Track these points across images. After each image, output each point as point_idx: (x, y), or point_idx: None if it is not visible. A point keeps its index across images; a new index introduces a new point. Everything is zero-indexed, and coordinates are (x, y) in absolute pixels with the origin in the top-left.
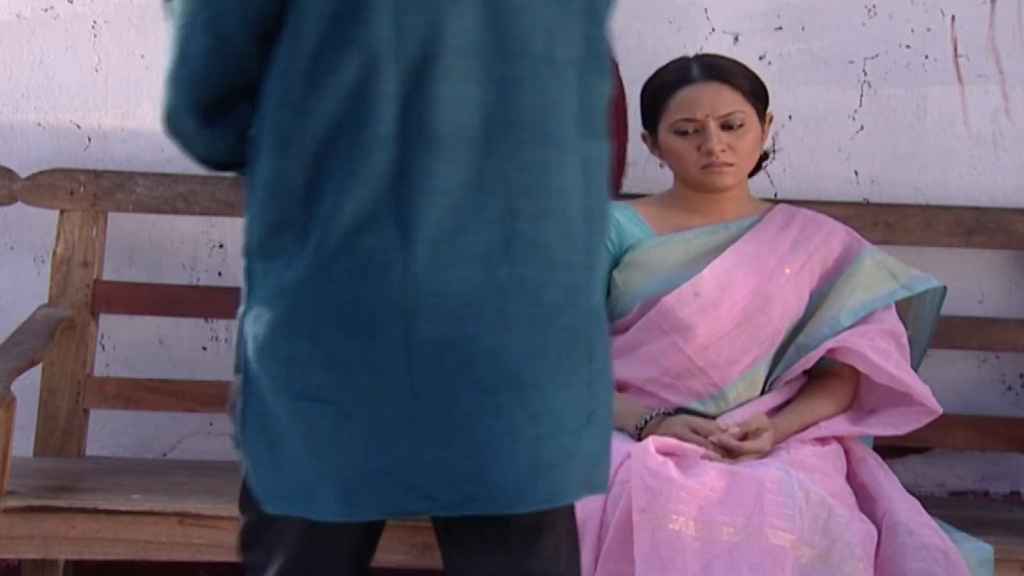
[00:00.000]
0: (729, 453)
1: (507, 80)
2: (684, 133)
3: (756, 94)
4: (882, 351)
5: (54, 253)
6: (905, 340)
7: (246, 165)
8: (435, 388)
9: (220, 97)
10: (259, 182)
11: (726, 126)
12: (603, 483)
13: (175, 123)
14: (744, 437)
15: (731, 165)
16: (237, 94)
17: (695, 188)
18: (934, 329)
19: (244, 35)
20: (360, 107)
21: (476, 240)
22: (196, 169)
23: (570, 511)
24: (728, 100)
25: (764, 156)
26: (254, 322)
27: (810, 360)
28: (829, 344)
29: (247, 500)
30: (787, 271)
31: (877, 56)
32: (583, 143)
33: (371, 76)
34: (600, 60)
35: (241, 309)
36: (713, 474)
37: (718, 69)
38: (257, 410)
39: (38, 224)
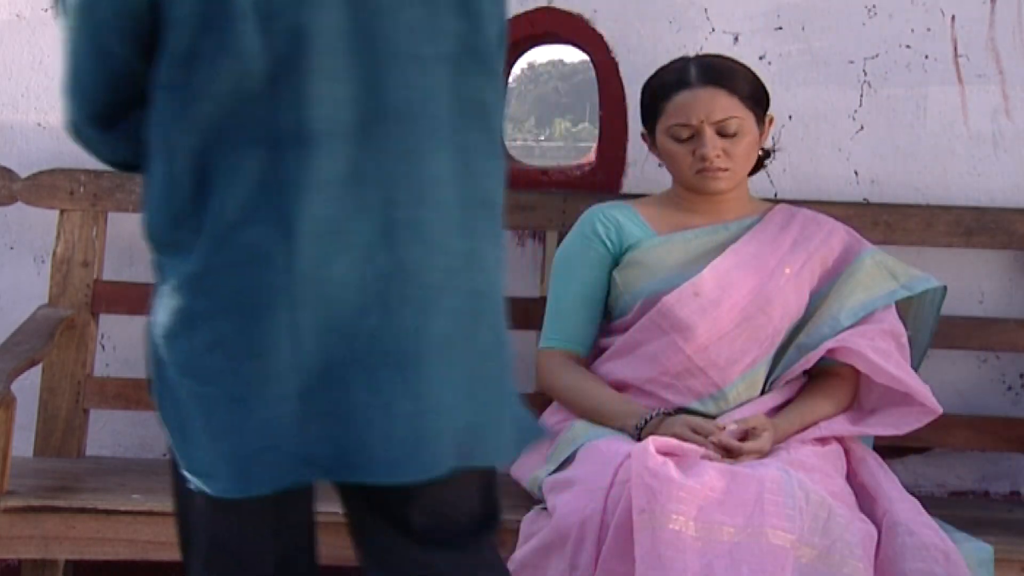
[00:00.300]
0: (729, 453)
1: (376, 77)
2: (680, 138)
3: (754, 98)
4: (882, 351)
5: (54, 253)
6: (905, 340)
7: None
8: (319, 368)
9: (115, 104)
10: (154, 182)
11: (722, 132)
12: (490, 455)
13: (77, 132)
14: (744, 436)
15: (725, 170)
16: (132, 101)
17: (691, 191)
18: (934, 329)
19: (127, 49)
20: (236, 111)
21: (356, 229)
22: None
23: (481, 479)
24: (724, 105)
25: (766, 154)
26: (161, 311)
27: (810, 360)
28: (829, 344)
29: (174, 479)
30: (787, 271)
31: (877, 56)
32: (459, 134)
33: (243, 81)
34: (477, 55)
35: (154, 299)
36: (713, 474)
37: (716, 73)
38: (168, 392)
39: (38, 224)
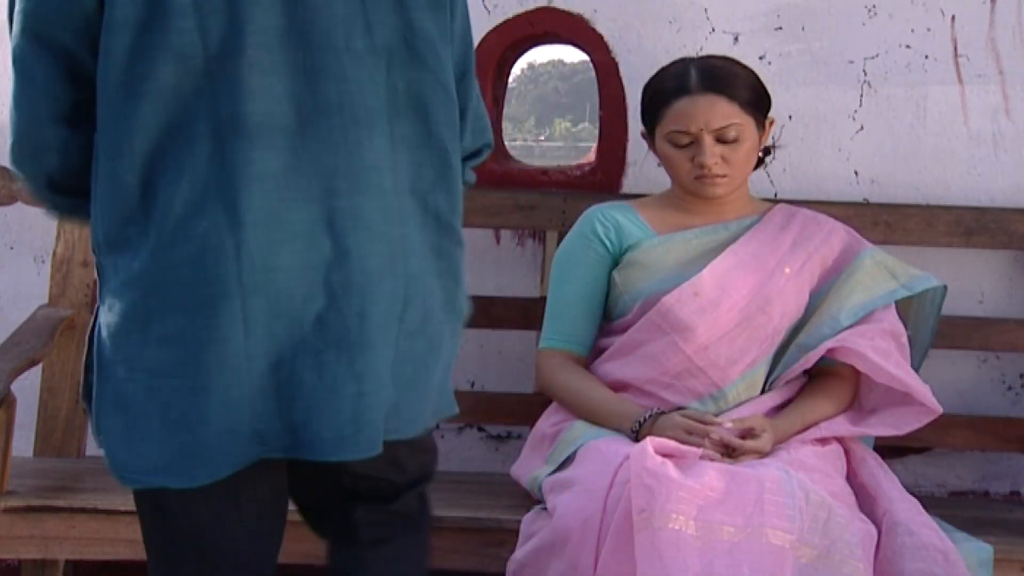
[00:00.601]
0: (729, 453)
1: (312, 70)
2: (679, 144)
3: (754, 103)
4: (882, 351)
5: (54, 253)
6: (905, 340)
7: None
8: (270, 352)
9: (77, 104)
10: (100, 182)
11: (721, 139)
12: (408, 429)
13: (37, 137)
14: (743, 436)
15: (724, 177)
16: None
17: (690, 194)
18: (935, 329)
19: (82, 49)
20: (176, 107)
21: (300, 219)
22: None
23: (408, 447)
24: (724, 113)
25: (765, 152)
26: (107, 312)
27: (810, 360)
28: (829, 344)
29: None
30: (787, 271)
31: (877, 56)
32: (394, 125)
33: (183, 78)
34: (413, 49)
35: (97, 304)
36: (713, 474)
37: (716, 80)
38: (113, 393)
39: (38, 224)
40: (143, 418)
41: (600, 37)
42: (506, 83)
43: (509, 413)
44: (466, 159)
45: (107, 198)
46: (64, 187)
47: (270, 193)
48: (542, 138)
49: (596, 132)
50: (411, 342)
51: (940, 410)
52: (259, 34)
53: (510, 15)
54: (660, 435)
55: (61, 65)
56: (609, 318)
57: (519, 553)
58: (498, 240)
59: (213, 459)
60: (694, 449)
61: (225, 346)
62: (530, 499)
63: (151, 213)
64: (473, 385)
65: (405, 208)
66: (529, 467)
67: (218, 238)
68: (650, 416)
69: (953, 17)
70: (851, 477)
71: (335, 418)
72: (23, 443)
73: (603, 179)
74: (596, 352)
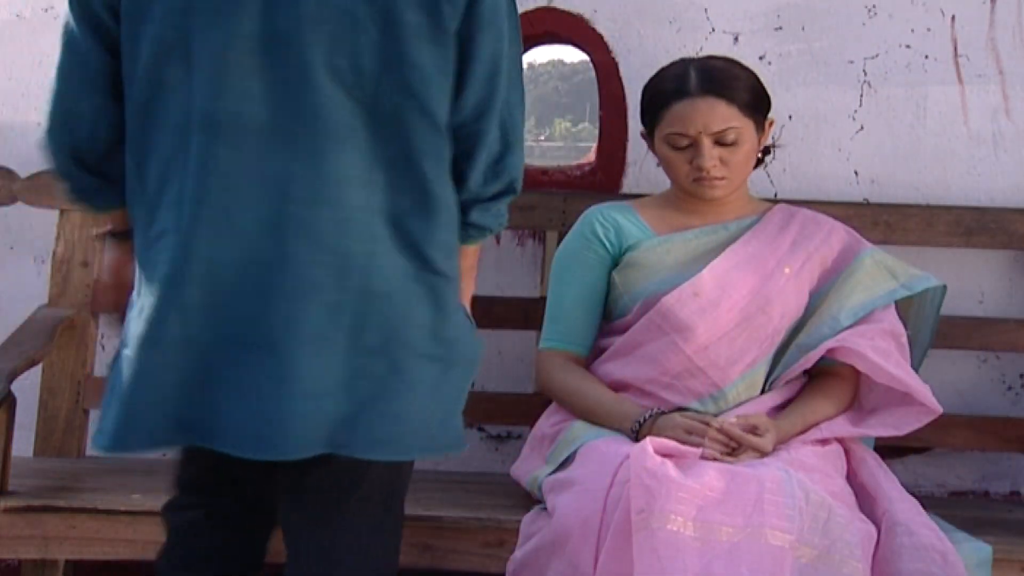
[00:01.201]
0: (731, 451)
1: (291, 80)
2: (677, 146)
3: (754, 105)
4: (882, 351)
5: (54, 253)
6: (905, 340)
7: None
8: (202, 343)
9: (114, 78)
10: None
11: (720, 141)
12: (363, 448)
13: (71, 104)
14: (746, 432)
15: (722, 179)
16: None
17: (688, 195)
18: (935, 328)
19: (115, 25)
20: (158, 96)
21: (249, 218)
22: None
23: (361, 473)
24: (723, 116)
25: (765, 151)
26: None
27: (810, 360)
28: (829, 344)
29: None
30: (787, 271)
31: (877, 56)
32: (375, 145)
33: (165, 68)
34: (400, 76)
35: None
36: (713, 474)
37: (715, 81)
38: (115, 361)
39: (38, 224)
40: (109, 386)
41: (600, 37)
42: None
43: (509, 413)
44: (483, 201)
45: (127, 189)
46: (88, 164)
47: (225, 189)
48: (542, 138)
49: (596, 132)
50: (369, 360)
51: (940, 410)
52: (244, 38)
53: None
54: (660, 435)
55: (99, 38)
56: (609, 318)
57: (519, 553)
58: (498, 240)
59: (141, 431)
60: (694, 449)
61: (167, 328)
62: (530, 499)
63: (142, 195)
64: (473, 385)
65: (375, 227)
66: (529, 467)
67: (174, 225)
68: (650, 416)
69: (953, 17)
70: (851, 477)
71: (254, 418)
72: (23, 443)
73: (603, 179)
74: (596, 352)
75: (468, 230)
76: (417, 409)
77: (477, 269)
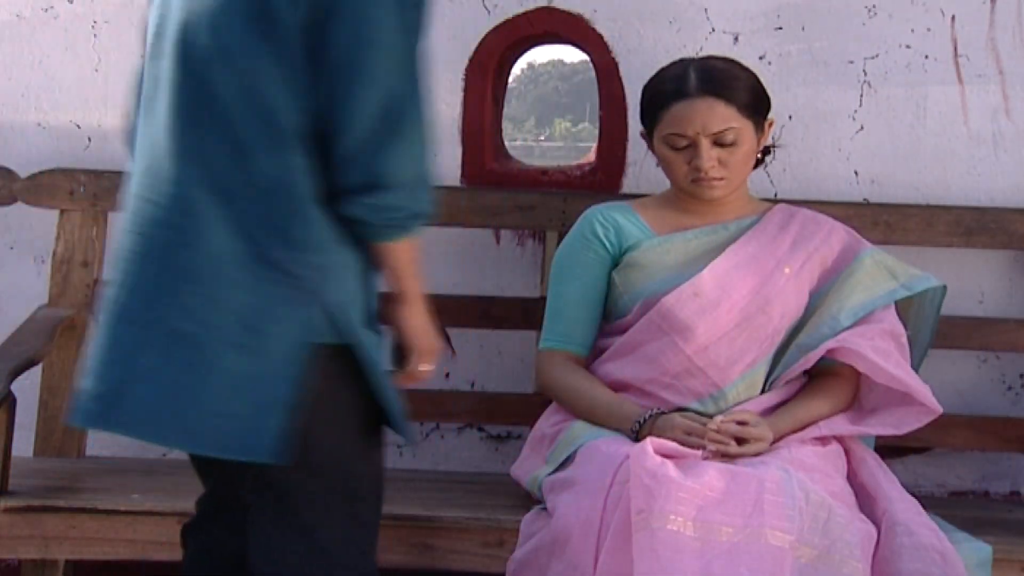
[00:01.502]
0: (731, 453)
1: (189, 68)
2: (676, 147)
3: (753, 106)
4: (882, 351)
5: (54, 253)
6: (905, 340)
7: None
8: (104, 318)
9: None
10: None
11: (719, 142)
12: (119, 420)
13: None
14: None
15: (721, 180)
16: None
17: (688, 195)
18: (935, 329)
19: None
20: (141, 77)
21: (133, 192)
22: None
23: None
24: (721, 117)
25: (765, 151)
26: None
27: (810, 360)
28: (829, 344)
29: None
30: (787, 271)
31: (877, 56)
32: (202, 120)
33: (145, 53)
34: (271, 65)
35: None
36: (713, 474)
37: (715, 82)
38: None
39: (38, 224)
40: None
41: (600, 37)
42: (506, 83)
43: (509, 413)
44: (348, 194)
45: None
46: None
47: (146, 171)
48: (542, 138)
49: (596, 132)
50: (149, 331)
51: (940, 410)
52: (170, 30)
53: (510, 15)
54: (660, 435)
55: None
56: (609, 319)
57: (519, 553)
58: (498, 240)
59: (77, 402)
60: (694, 451)
61: (106, 304)
62: (530, 499)
63: None
64: (473, 385)
65: (195, 202)
66: (529, 467)
67: (123, 203)
68: (650, 416)
69: (953, 17)
70: (851, 477)
71: (143, 400)
72: (23, 443)
73: (603, 179)
74: (596, 352)
75: (352, 225)
76: (208, 395)
77: (418, 268)
